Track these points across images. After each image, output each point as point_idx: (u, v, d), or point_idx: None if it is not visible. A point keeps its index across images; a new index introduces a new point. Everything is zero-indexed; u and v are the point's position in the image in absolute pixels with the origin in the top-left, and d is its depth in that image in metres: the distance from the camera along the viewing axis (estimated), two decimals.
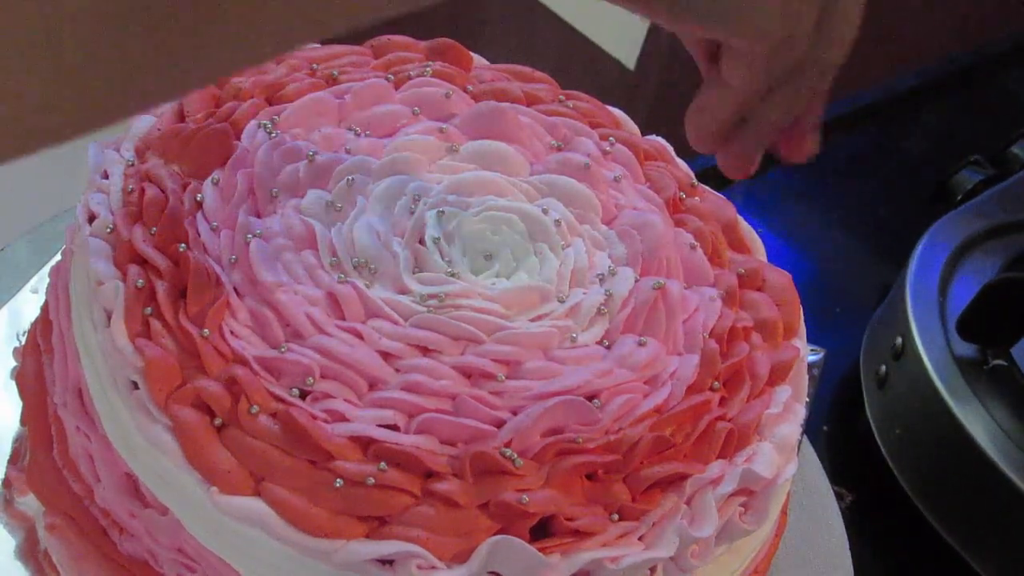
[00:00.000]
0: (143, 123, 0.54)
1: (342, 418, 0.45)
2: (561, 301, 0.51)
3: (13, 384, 0.56)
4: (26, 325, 0.60)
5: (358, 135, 0.55)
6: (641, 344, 0.50)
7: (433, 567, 0.43)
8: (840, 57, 0.45)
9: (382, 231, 0.51)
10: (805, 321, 0.56)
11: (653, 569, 0.46)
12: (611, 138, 0.59)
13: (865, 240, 0.95)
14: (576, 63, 1.47)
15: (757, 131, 0.47)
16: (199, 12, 0.28)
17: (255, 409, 0.45)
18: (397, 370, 0.47)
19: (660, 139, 0.62)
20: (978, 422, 0.68)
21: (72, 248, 0.52)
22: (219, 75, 0.31)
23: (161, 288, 0.47)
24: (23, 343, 0.58)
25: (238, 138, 0.53)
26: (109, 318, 0.47)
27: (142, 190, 0.51)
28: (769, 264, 0.57)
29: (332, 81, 0.57)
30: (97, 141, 0.53)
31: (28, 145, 0.28)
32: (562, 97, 0.61)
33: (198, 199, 0.51)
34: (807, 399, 0.55)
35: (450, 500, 0.44)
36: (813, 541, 0.63)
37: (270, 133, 0.53)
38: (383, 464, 0.44)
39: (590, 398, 0.47)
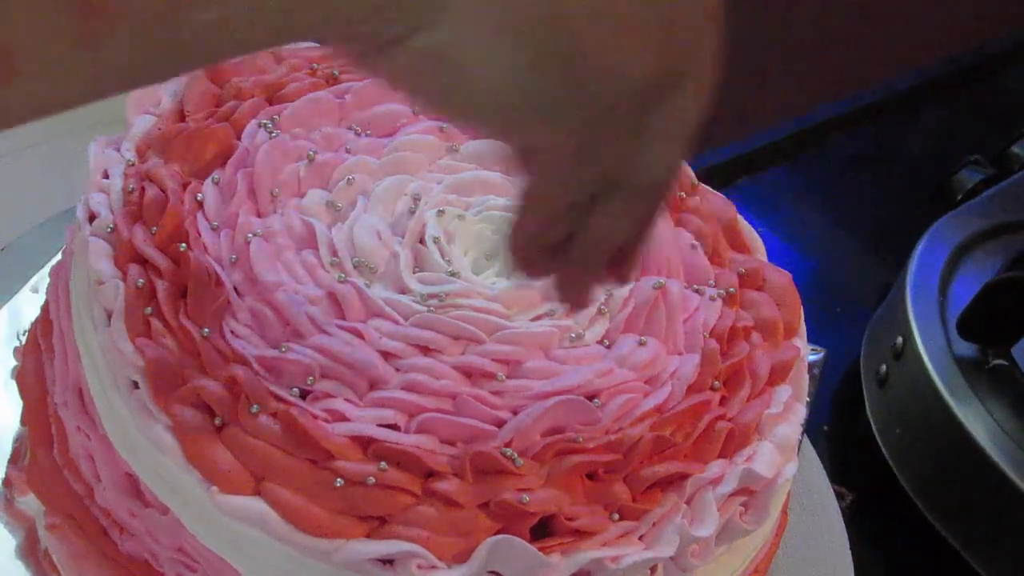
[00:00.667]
0: (144, 123, 0.54)
1: (342, 418, 0.45)
2: None
3: (13, 384, 0.56)
4: (26, 325, 0.60)
5: (358, 134, 0.55)
6: (641, 344, 0.50)
7: (433, 567, 0.43)
8: (659, 178, 0.37)
9: (382, 231, 0.51)
10: (805, 321, 0.56)
11: (653, 569, 0.46)
12: None
13: (865, 240, 0.95)
14: None
15: (579, 257, 0.39)
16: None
17: (255, 409, 0.45)
18: (397, 370, 0.47)
19: None
20: (978, 422, 0.68)
21: (72, 248, 0.52)
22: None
23: (161, 288, 0.47)
24: (23, 343, 0.58)
25: (238, 138, 0.53)
26: (109, 318, 0.47)
27: (142, 190, 0.51)
28: (769, 264, 0.57)
29: (332, 80, 0.57)
30: (97, 140, 0.53)
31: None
32: None
33: (198, 199, 0.51)
34: (807, 399, 0.55)
35: (450, 500, 0.44)
36: (813, 541, 0.63)
37: (271, 133, 0.53)
38: (383, 464, 0.44)
39: (590, 398, 0.47)
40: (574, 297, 0.42)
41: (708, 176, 0.64)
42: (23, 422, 0.55)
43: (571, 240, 0.38)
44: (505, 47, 0.32)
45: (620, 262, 0.40)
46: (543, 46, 0.32)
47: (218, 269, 0.48)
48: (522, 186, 0.37)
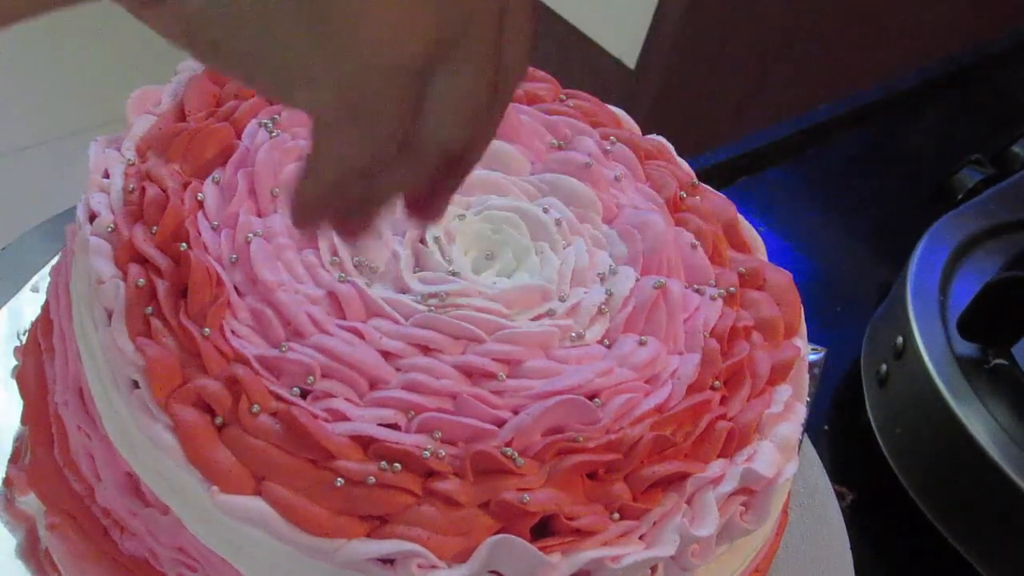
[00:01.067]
0: (144, 122, 0.54)
1: (343, 417, 0.45)
2: (562, 300, 0.51)
3: (14, 383, 0.56)
4: (27, 324, 0.60)
5: None
6: (642, 343, 0.50)
7: (434, 566, 0.43)
8: (447, 142, 0.37)
9: (383, 230, 0.51)
10: (806, 320, 0.56)
11: (654, 568, 0.46)
12: (612, 137, 0.59)
13: (866, 239, 0.95)
14: (576, 62, 1.47)
15: (366, 206, 0.39)
16: None
17: (256, 408, 0.45)
18: (398, 369, 0.47)
19: (661, 138, 0.62)
20: (979, 421, 0.68)
21: (73, 247, 0.52)
22: None
23: (162, 287, 0.47)
24: (24, 342, 0.58)
25: (239, 137, 0.53)
26: (110, 317, 0.47)
27: (143, 189, 0.51)
28: (770, 263, 0.57)
29: None
30: (98, 140, 0.53)
31: None
32: (563, 96, 0.61)
33: (199, 198, 0.51)
34: (808, 398, 0.55)
35: (451, 499, 0.44)
36: (814, 540, 0.63)
37: (271, 132, 0.53)
38: (384, 463, 0.44)
39: (591, 397, 0.47)
40: (352, 234, 0.41)
41: (708, 175, 0.64)
42: (23, 421, 0.55)
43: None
44: (268, 5, 0.33)
45: (423, 205, 0.41)
46: (300, 7, 0.33)
47: (218, 268, 0.48)
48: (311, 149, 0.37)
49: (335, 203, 0.38)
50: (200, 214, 0.50)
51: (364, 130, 0.36)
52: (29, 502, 0.54)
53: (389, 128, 0.36)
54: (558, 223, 0.54)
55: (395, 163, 0.37)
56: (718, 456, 0.49)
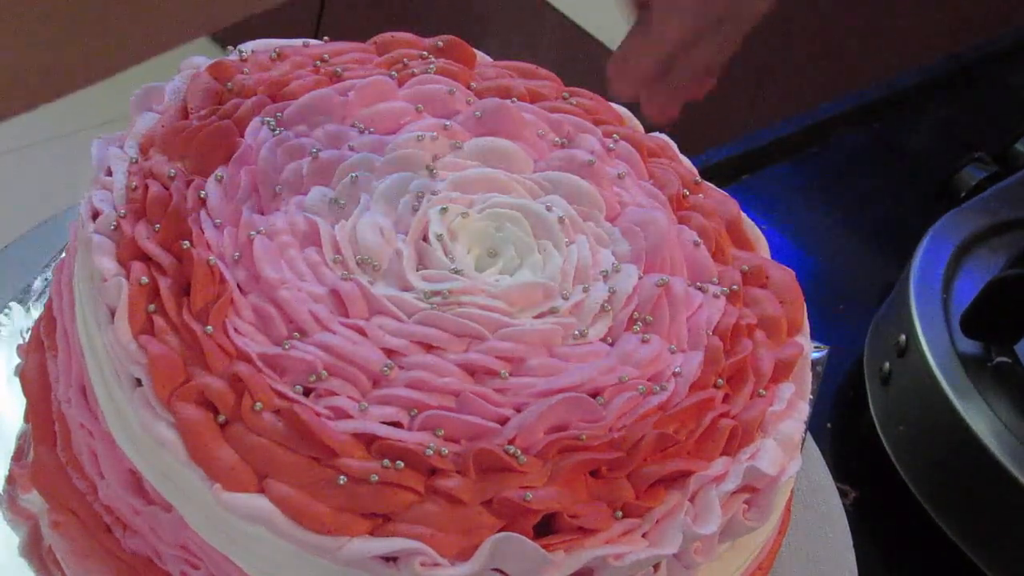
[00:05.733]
0: (147, 120, 0.54)
1: (346, 415, 0.45)
2: (565, 298, 0.51)
3: (17, 381, 0.56)
4: (30, 322, 0.60)
5: (361, 132, 0.55)
6: (644, 341, 0.50)
7: (437, 564, 0.43)
8: (766, 5, 0.46)
9: (386, 228, 0.51)
10: (809, 318, 0.56)
11: (657, 566, 0.46)
12: (615, 135, 0.59)
13: (869, 237, 0.95)
14: (580, 60, 1.47)
15: (682, 79, 0.48)
16: None
17: (259, 406, 0.45)
18: (400, 367, 0.47)
19: (664, 136, 0.62)
20: (982, 419, 0.68)
21: (76, 245, 0.52)
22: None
23: (165, 285, 0.47)
24: (27, 340, 0.58)
25: (242, 135, 0.53)
26: (113, 315, 0.47)
27: (146, 187, 0.51)
28: (773, 261, 0.57)
29: (336, 78, 0.57)
30: (101, 138, 0.53)
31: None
32: (566, 94, 0.61)
33: (201, 196, 0.51)
34: (811, 396, 0.55)
35: (454, 497, 0.44)
36: (817, 538, 0.63)
37: (274, 130, 0.53)
38: (386, 461, 0.44)
39: (593, 395, 0.47)
40: (667, 113, 0.51)
41: (712, 173, 0.64)
42: (26, 419, 0.55)
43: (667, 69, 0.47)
44: None
45: (702, 81, 0.50)
46: None
47: (221, 266, 0.48)
48: (655, 26, 0.46)
49: (662, 70, 0.47)
50: (203, 212, 0.50)
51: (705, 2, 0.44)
52: (32, 500, 0.54)
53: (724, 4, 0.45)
54: (561, 221, 0.54)
55: (714, 34, 0.46)
56: (721, 454, 0.49)
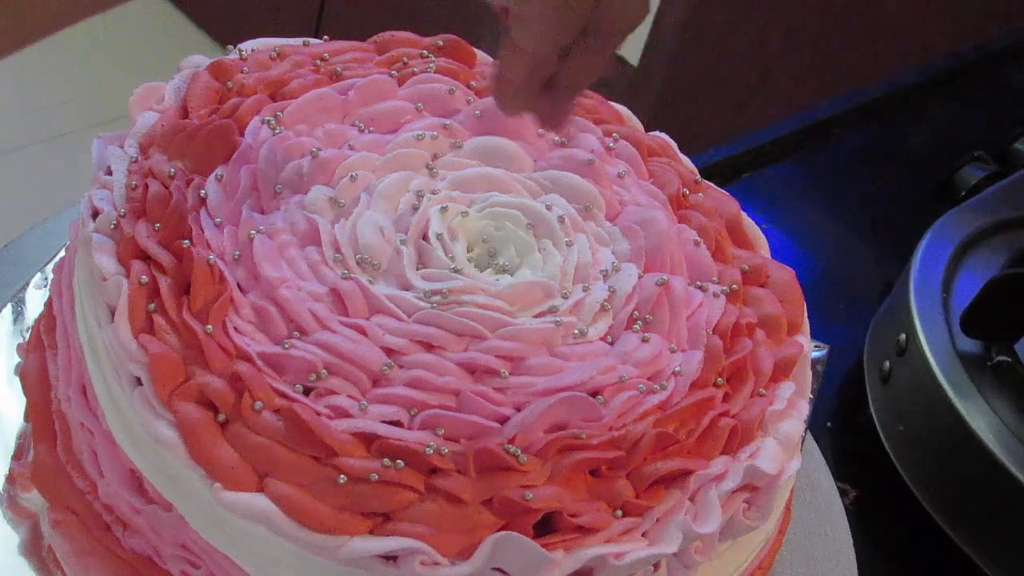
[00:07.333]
0: (147, 119, 0.54)
1: (346, 414, 0.45)
2: (565, 297, 0.51)
3: (17, 380, 0.56)
4: (30, 321, 0.60)
5: (362, 131, 0.55)
6: (644, 340, 0.50)
7: (436, 563, 0.43)
8: (635, 16, 0.45)
9: (386, 227, 0.51)
10: (809, 317, 0.56)
11: (657, 565, 0.46)
12: (615, 134, 0.59)
13: (869, 236, 0.95)
14: None
15: (562, 93, 0.48)
16: None
17: (259, 405, 0.45)
18: (401, 366, 0.47)
19: (663, 135, 0.62)
20: (982, 418, 0.68)
21: (76, 244, 0.52)
22: None
23: (165, 284, 0.47)
24: (27, 339, 0.58)
25: (242, 134, 0.53)
26: (113, 314, 0.47)
27: (146, 186, 0.51)
28: (773, 260, 0.57)
29: (336, 77, 0.57)
30: (101, 137, 0.53)
31: None
32: None
33: (202, 195, 0.51)
34: (811, 395, 0.55)
35: (454, 496, 0.44)
36: (817, 537, 0.63)
37: (274, 129, 0.53)
38: (387, 460, 0.44)
39: (593, 394, 0.47)
40: (553, 126, 0.52)
41: (711, 172, 0.64)
42: (27, 418, 0.55)
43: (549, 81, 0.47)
44: None
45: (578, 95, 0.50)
46: None
47: (221, 265, 0.48)
48: (511, 37, 0.46)
49: (535, 83, 0.47)
50: (203, 211, 0.50)
51: (559, 10, 0.44)
52: (32, 499, 0.54)
53: (581, 8, 0.44)
54: (561, 220, 0.54)
55: (583, 47, 0.45)
56: (721, 453, 0.49)
